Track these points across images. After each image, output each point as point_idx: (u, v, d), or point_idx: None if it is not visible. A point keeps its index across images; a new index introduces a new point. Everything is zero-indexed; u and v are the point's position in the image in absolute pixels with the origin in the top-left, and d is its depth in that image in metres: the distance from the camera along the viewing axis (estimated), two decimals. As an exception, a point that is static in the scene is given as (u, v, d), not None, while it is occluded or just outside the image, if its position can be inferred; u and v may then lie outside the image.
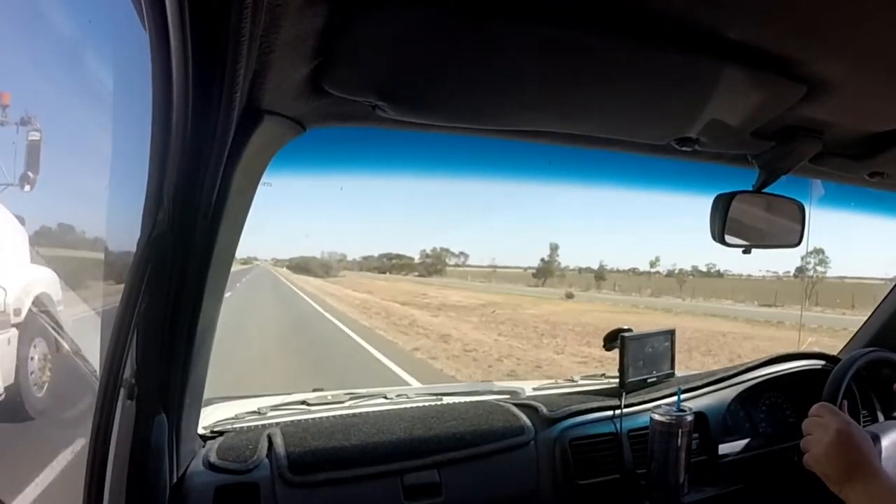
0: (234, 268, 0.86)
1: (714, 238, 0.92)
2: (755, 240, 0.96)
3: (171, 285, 0.70)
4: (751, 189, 0.92)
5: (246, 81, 0.56)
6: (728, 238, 0.91)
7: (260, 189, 0.79)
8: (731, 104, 0.72)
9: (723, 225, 0.90)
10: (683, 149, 0.86)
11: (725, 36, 0.56)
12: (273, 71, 0.58)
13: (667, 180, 1.63)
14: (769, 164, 0.89)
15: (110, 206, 0.73)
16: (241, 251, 0.79)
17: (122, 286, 0.63)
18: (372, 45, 0.56)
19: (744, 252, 0.97)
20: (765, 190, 0.92)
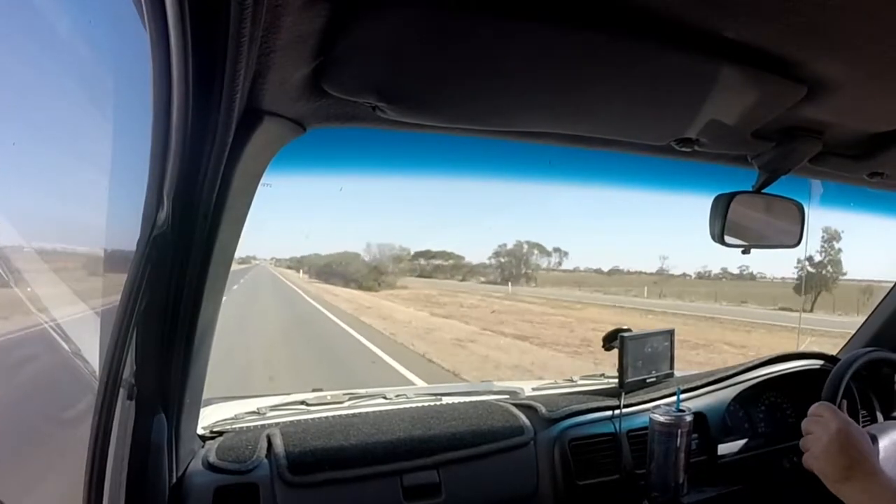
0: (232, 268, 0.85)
1: (713, 238, 0.92)
2: (754, 240, 0.96)
3: (170, 285, 0.70)
4: (750, 189, 0.92)
5: (246, 82, 0.56)
6: (727, 238, 0.91)
7: (260, 189, 0.79)
8: (731, 105, 0.72)
9: (722, 225, 0.90)
10: (683, 149, 0.86)
11: (725, 36, 0.56)
12: (273, 71, 0.58)
13: (667, 180, 1.63)
14: (769, 165, 0.89)
15: (110, 206, 0.72)
16: (240, 250, 0.79)
17: (120, 286, 0.63)
18: (372, 45, 0.56)
19: (743, 252, 0.97)
20: (764, 190, 0.92)
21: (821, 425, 0.76)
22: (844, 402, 0.96)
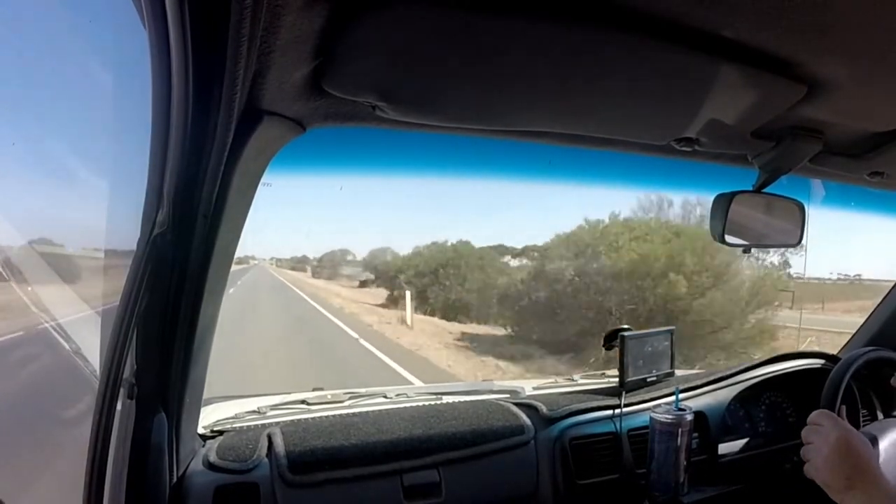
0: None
1: (714, 238, 0.92)
2: (755, 239, 0.97)
3: (170, 285, 0.70)
4: (751, 189, 0.92)
5: (246, 82, 0.56)
6: (728, 238, 0.91)
7: (260, 188, 0.79)
8: (731, 104, 0.72)
9: (723, 225, 0.90)
10: (683, 149, 0.86)
11: (725, 36, 0.56)
12: (273, 71, 0.58)
13: (667, 180, 1.64)
14: (769, 164, 0.89)
15: (110, 206, 0.73)
16: (240, 251, 0.79)
17: (120, 286, 0.63)
18: (372, 45, 0.56)
19: (743, 251, 0.98)
20: (765, 190, 0.92)
21: (821, 435, 0.76)
22: (843, 408, 0.95)
